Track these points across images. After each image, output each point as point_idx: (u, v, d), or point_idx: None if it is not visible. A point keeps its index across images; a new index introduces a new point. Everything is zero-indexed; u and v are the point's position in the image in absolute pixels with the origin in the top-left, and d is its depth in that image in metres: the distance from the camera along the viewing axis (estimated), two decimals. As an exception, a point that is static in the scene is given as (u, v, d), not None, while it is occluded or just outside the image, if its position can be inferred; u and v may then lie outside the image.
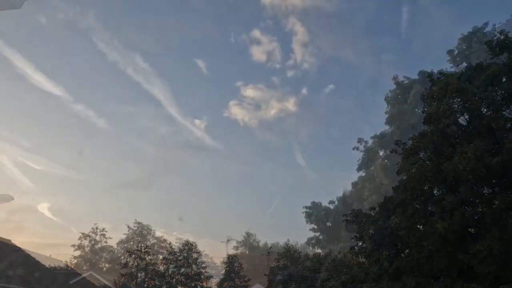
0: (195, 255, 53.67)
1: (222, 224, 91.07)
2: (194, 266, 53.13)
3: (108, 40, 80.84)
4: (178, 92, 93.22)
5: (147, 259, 37.28)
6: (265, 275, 34.60)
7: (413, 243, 14.12)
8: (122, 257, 50.98)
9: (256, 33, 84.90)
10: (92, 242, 49.02)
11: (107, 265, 49.47)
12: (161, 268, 52.06)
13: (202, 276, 52.76)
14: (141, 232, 52.13)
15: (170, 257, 52.26)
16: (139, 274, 51.93)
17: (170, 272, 52.21)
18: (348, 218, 22.08)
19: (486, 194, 13.16)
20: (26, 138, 77.85)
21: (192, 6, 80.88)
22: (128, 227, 51.66)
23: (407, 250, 14.47)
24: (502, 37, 15.77)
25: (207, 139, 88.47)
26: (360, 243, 21.63)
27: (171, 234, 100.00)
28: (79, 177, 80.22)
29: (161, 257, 53.07)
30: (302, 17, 79.38)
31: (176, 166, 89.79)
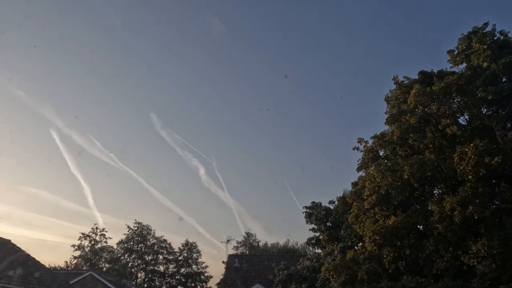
0: (195, 255, 53.94)
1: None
2: (194, 266, 53.39)
3: None
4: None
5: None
6: (223, 262, 35.20)
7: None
8: (122, 257, 51.05)
9: None
10: (92, 242, 49.04)
11: (107, 265, 49.46)
12: (161, 268, 52.31)
13: (202, 277, 53.00)
14: (141, 232, 52.14)
15: (170, 257, 52.29)
16: (139, 274, 52.22)
17: (170, 272, 52.35)
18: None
19: (485, 194, 13.15)
20: None
21: None
22: (128, 227, 51.77)
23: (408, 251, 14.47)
24: (502, 38, 15.82)
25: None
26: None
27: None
28: None
29: (161, 257, 53.31)
30: None
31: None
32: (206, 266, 53.96)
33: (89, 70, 75.08)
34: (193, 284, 52.99)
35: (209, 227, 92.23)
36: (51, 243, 66.77)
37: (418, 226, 15.23)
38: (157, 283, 52.91)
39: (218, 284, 35.53)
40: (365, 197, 15.92)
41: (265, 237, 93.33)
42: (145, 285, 51.77)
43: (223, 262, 35.77)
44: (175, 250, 53.76)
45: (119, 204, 78.81)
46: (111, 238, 50.98)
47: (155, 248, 52.70)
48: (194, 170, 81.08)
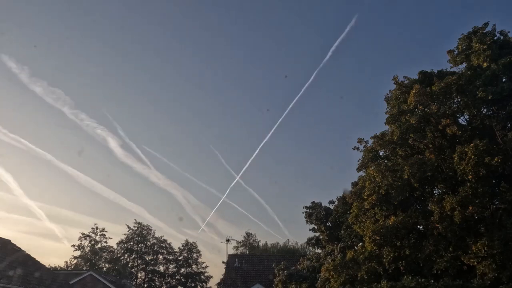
0: (195, 255, 53.92)
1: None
2: (194, 266, 53.39)
3: None
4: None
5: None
6: (223, 262, 35.26)
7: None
8: (122, 257, 51.06)
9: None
10: (92, 242, 49.06)
11: (107, 265, 49.48)
12: (161, 268, 52.31)
13: (202, 277, 52.99)
14: (141, 232, 52.16)
15: (170, 257, 52.26)
16: (139, 274, 52.21)
17: (170, 272, 52.38)
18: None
19: (485, 194, 13.15)
20: None
21: None
22: (128, 227, 51.79)
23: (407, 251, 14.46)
24: (502, 38, 15.82)
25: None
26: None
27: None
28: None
29: (161, 257, 53.31)
30: None
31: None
32: (206, 266, 54.03)
33: None
34: (193, 284, 53.00)
35: (157, 213, 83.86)
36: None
37: (418, 226, 15.23)
38: (157, 283, 52.91)
39: (218, 284, 35.60)
40: (365, 197, 15.91)
41: (228, 227, 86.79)
42: (145, 285, 51.77)
43: (223, 262, 35.84)
44: (175, 250, 53.82)
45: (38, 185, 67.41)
46: (111, 238, 50.99)
47: (155, 248, 52.69)
48: (102, 141, 66.53)
